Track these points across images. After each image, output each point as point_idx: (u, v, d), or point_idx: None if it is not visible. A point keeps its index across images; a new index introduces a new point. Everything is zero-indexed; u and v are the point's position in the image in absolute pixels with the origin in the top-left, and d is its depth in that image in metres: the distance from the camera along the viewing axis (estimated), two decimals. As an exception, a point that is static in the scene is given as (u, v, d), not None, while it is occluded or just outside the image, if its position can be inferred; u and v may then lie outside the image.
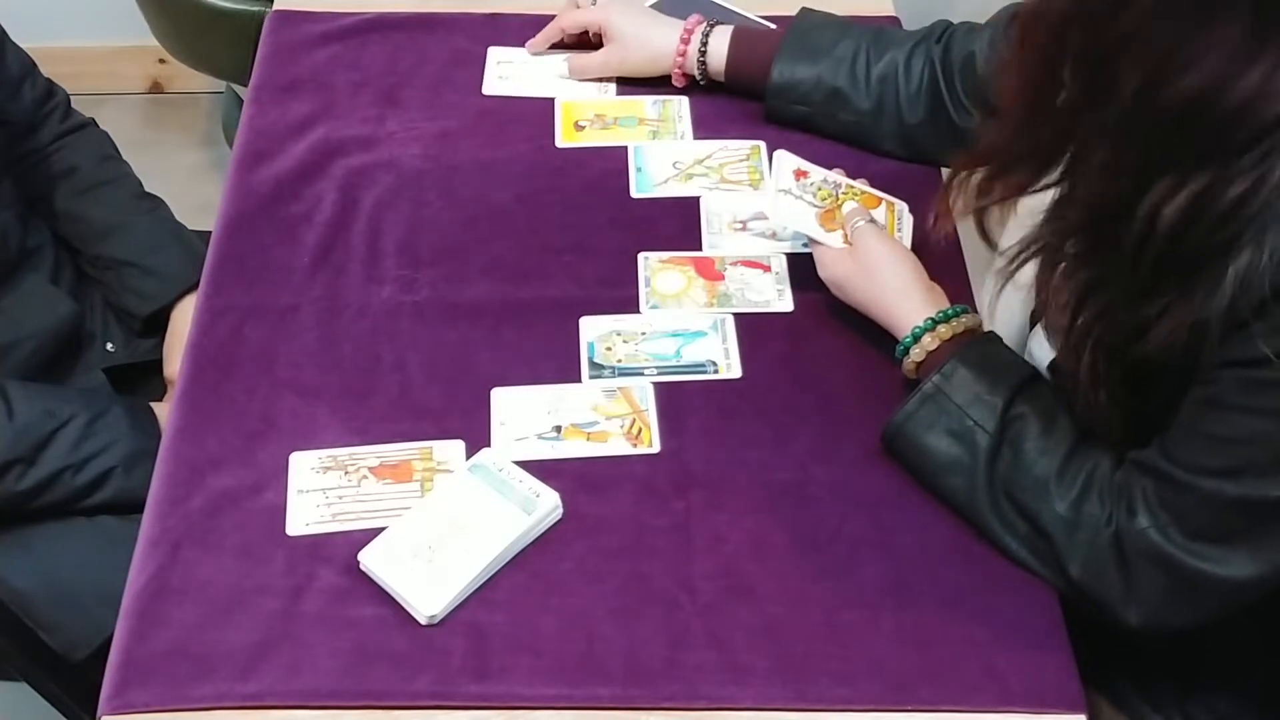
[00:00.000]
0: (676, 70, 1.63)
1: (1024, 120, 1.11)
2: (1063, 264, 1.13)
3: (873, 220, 1.38)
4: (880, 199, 1.44)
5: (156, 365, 1.72)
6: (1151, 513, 1.13)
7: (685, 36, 1.61)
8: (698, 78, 1.63)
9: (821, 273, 1.39)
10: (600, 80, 1.67)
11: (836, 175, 1.45)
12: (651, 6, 1.77)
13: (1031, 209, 1.17)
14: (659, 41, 1.63)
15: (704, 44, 1.61)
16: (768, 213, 1.45)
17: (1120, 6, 1.00)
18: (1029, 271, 1.25)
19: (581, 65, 1.67)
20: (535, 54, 1.70)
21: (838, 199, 1.42)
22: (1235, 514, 1.10)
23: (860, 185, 1.45)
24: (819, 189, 1.43)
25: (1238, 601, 1.14)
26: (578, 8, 1.68)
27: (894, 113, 1.53)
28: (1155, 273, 1.05)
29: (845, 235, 1.38)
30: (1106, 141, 1.05)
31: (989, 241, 1.21)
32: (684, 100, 1.65)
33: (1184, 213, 1.02)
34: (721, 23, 1.62)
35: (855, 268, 1.35)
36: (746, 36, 1.61)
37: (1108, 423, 1.16)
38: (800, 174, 1.44)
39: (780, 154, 1.46)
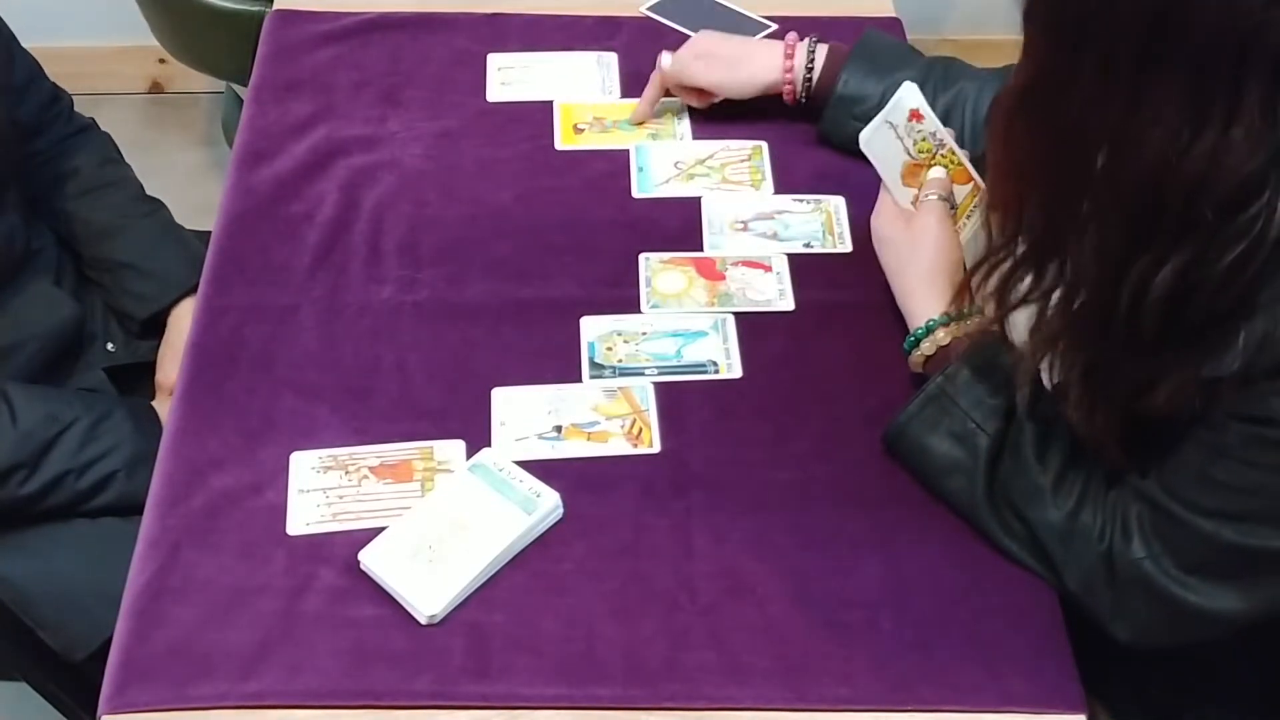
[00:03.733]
0: (788, 88, 1.57)
1: (1017, 215, 1.10)
2: (1066, 344, 1.10)
3: (947, 199, 1.35)
4: (972, 178, 1.39)
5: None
6: (1146, 541, 1.13)
7: (789, 53, 1.56)
8: (801, 96, 1.57)
9: (874, 220, 1.37)
10: (665, 95, 1.62)
11: (946, 134, 1.39)
12: (650, 9, 1.77)
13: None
14: (762, 58, 1.57)
15: (810, 60, 1.55)
16: (863, 134, 1.39)
17: (1062, 95, 1.00)
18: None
19: (681, 58, 1.59)
20: (636, 122, 1.62)
21: (934, 158, 1.37)
22: (1231, 556, 1.09)
23: (961, 155, 1.39)
24: (923, 139, 1.37)
25: (1223, 632, 1.14)
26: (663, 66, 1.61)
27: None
28: (1158, 343, 1.03)
29: (916, 198, 1.35)
30: (1085, 225, 1.03)
31: (1009, 345, 1.18)
32: (682, 102, 1.65)
33: (1173, 286, 1.00)
34: (821, 40, 1.57)
35: (905, 234, 1.34)
36: (830, 53, 1.56)
37: (1108, 454, 1.14)
38: (915, 115, 1.38)
39: (908, 86, 1.39)
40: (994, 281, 1.14)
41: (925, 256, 1.32)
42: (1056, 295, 1.10)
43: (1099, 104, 0.98)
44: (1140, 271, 1.01)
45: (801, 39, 1.56)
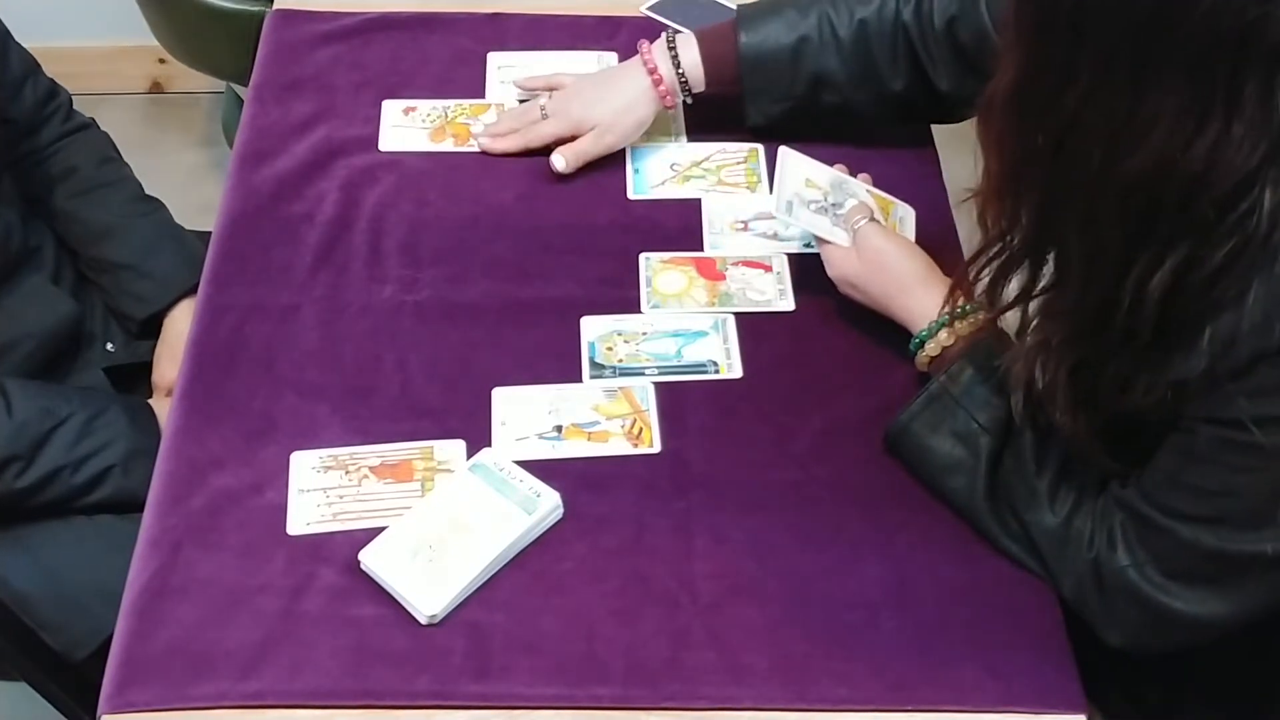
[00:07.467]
0: (665, 102, 1.53)
1: (1010, 213, 1.08)
2: (1053, 347, 1.10)
3: (874, 218, 1.37)
4: (888, 201, 1.42)
5: (156, 365, 1.72)
6: (1130, 550, 1.13)
7: (650, 66, 1.51)
8: (684, 97, 1.54)
9: (830, 272, 1.37)
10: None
11: (840, 173, 1.43)
12: (650, 9, 1.77)
13: None
14: (630, 93, 1.52)
15: (675, 58, 1.51)
16: (775, 213, 1.42)
17: (1059, 93, 0.98)
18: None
19: (578, 152, 1.54)
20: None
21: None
22: (1212, 562, 1.10)
23: (864, 184, 1.43)
24: (836, 200, 1.40)
25: (1212, 637, 1.14)
26: (540, 112, 1.57)
27: (875, 82, 1.48)
28: (1144, 342, 1.04)
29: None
30: (1082, 224, 1.03)
31: (1004, 343, 1.17)
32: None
33: (1169, 285, 1.00)
34: (679, 31, 1.54)
35: (864, 265, 1.34)
36: (709, 33, 1.52)
37: (1094, 457, 1.15)
38: (809, 183, 1.41)
39: (786, 155, 1.42)
40: (985, 280, 1.13)
41: (897, 270, 1.33)
42: (1049, 295, 1.09)
43: (1098, 102, 0.97)
44: (1140, 271, 1.01)
45: (653, 41, 1.52)
